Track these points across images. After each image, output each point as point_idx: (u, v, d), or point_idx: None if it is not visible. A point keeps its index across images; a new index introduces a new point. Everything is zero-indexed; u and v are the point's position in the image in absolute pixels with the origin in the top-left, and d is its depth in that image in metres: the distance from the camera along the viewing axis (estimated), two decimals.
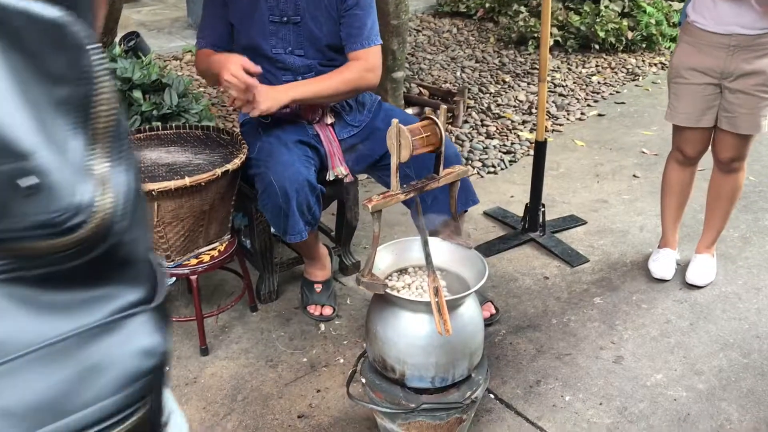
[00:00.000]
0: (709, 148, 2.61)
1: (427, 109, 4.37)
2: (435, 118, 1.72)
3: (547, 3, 2.61)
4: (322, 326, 2.46)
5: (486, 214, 3.29)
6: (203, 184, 2.08)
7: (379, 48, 2.34)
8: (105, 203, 0.61)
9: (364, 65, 2.33)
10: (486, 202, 3.38)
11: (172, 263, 2.21)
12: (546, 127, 4.25)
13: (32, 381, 0.60)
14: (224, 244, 2.33)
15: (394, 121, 1.62)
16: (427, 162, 1.88)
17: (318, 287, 2.51)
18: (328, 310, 2.48)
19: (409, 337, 1.71)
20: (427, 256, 1.78)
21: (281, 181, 2.12)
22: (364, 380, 1.83)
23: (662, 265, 2.76)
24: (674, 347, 2.38)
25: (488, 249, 2.98)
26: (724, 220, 2.70)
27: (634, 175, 3.65)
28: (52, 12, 0.57)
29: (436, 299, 1.63)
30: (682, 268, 2.79)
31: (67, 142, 0.59)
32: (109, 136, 0.63)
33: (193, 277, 2.23)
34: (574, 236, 3.09)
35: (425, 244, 1.80)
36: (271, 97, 2.17)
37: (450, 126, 4.22)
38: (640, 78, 5.13)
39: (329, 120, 2.39)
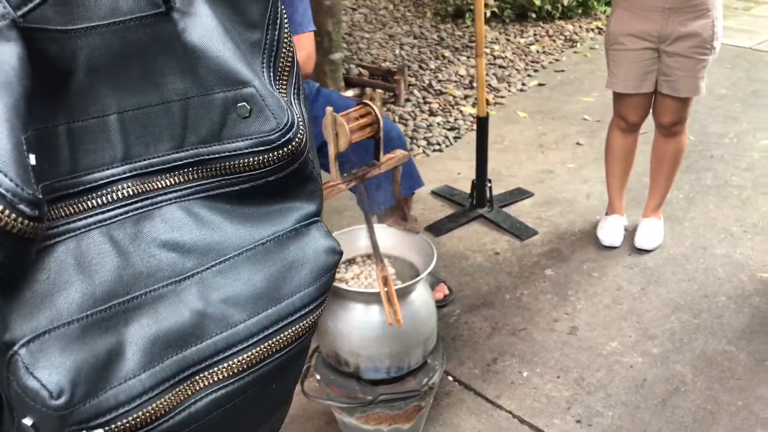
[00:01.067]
0: (650, 112, 2.62)
1: (368, 90, 4.30)
2: (371, 103, 1.66)
3: None
4: None
5: (434, 193, 3.26)
6: None
7: (313, 34, 2.26)
8: (301, 124, 0.72)
9: (305, 54, 2.26)
10: (433, 180, 3.35)
11: None
12: (488, 100, 4.23)
13: (249, 274, 0.72)
14: None
15: (329, 109, 1.56)
16: (370, 145, 1.82)
17: None
18: None
19: (361, 329, 1.66)
20: (374, 244, 1.73)
21: None
22: (318, 376, 1.78)
23: (610, 231, 2.77)
24: (627, 313, 2.39)
25: (438, 228, 2.96)
26: (668, 183, 2.72)
27: (578, 143, 3.66)
28: None
29: (386, 289, 1.59)
30: (630, 233, 2.81)
31: (263, 77, 0.71)
32: (289, 74, 0.74)
33: None
34: (522, 209, 3.09)
35: (371, 232, 1.75)
36: None
37: (392, 105, 4.17)
38: (578, 44, 5.15)
39: None
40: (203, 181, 0.72)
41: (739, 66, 4.61)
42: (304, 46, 2.24)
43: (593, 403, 2.02)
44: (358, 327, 1.66)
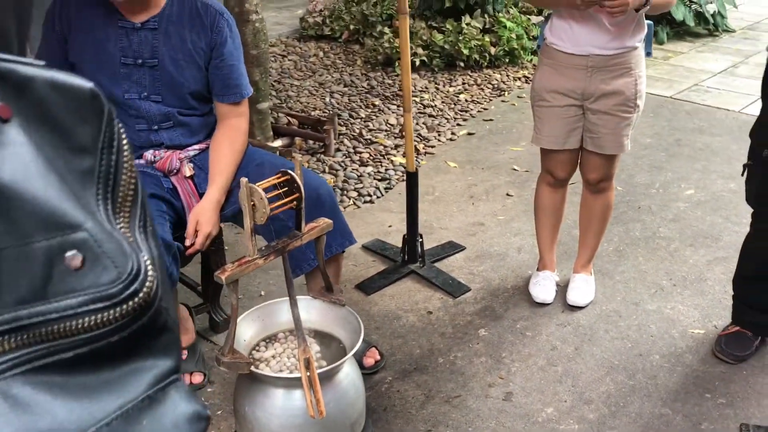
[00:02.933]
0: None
1: (297, 140, 4.21)
2: (292, 172, 1.57)
3: (405, 37, 2.52)
4: None
5: (365, 247, 3.16)
6: None
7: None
8: (150, 269, 0.60)
9: (244, 121, 2.22)
10: (365, 234, 3.26)
11: None
12: (418, 150, 4.20)
13: None
14: None
15: (243, 180, 1.45)
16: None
17: (183, 354, 2.28)
18: (198, 378, 2.26)
19: (282, 416, 1.54)
20: (297, 321, 1.61)
21: None
22: None
23: (543, 288, 2.73)
24: (562, 376, 2.33)
25: (369, 286, 2.86)
26: (598, 239, 2.71)
27: (508, 194, 3.65)
28: (84, 83, 0.59)
29: (308, 373, 1.47)
30: (562, 288, 2.78)
31: (98, 213, 0.59)
32: (132, 205, 0.62)
33: None
34: (454, 264, 3.02)
35: (294, 308, 1.64)
36: (207, 220, 2.05)
37: (322, 155, 4.08)
38: (506, 93, 5.21)
39: (188, 172, 2.18)
40: (24, 351, 0.56)
41: (662, 115, 4.73)
42: (244, 111, 2.25)
43: None
44: (278, 414, 1.54)
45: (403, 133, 4.29)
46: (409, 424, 2.12)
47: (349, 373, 1.63)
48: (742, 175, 2.26)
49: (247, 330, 1.68)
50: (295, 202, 1.56)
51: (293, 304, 1.63)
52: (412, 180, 2.86)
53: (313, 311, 1.75)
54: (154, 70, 2.08)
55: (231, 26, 2.15)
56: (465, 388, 2.28)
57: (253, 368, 1.51)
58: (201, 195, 2.17)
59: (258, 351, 1.67)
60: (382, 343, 2.50)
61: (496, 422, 2.13)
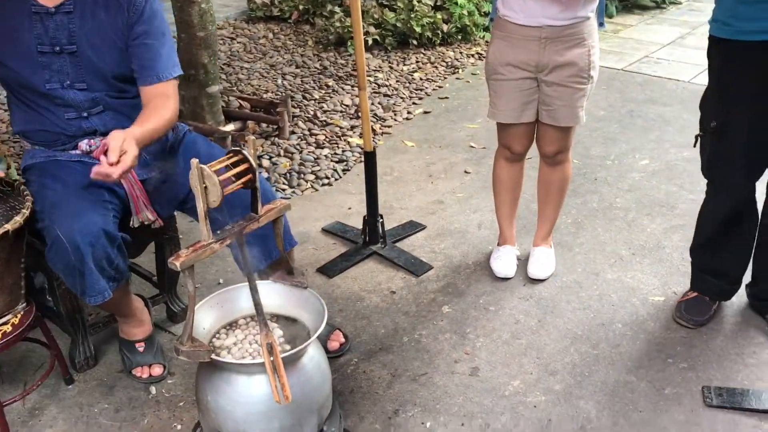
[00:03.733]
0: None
1: (250, 124, 4.13)
2: (243, 150, 1.51)
3: (357, 15, 2.47)
4: (153, 389, 2.17)
5: (325, 230, 3.12)
6: None
7: (177, 80, 2.09)
8: None
9: (172, 102, 2.05)
10: (324, 217, 3.22)
11: None
12: (375, 130, 4.16)
13: None
14: (19, 315, 1.97)
15: (194, 162, 1.39)
16: (236, 196, 1.64)
17: (140, 346, 2.21)
18: (157, 369, 2.19)
19: (246, 404, 1.49)
20: (257, 306, 1.57)
21: (70, 235, 1.80)
22: None
23: (504, 263, 2.73)
24: (526, 348, 2.34)
25: (331, 269, 2.82)
26: (556, 211, 2.72)
27: (466, 171, 3.64)
28: None
29: (271, 358, 1.43)
30: (522, 262, 2.78)
31: None
32: None
33: None
34: (416, 243, 3.00)
35: (254, 292, 1.59)
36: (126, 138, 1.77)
37: (277, 138, 4.01)
38: (460, 70, 5.19)
39: None
40: None
41: (614, 87, 4.77)
42: (172, 94, 2.07)
43: None
44: (241, 402, 1.49)
45: (359, 114, 4.24)
46: (377, 405, 2.10)
47: (313, 356, 1.60)
48: (694, 146, 2.28)
49: (206, 317, 1.62)
50: (248, 182, 1.51)
51: (253, 289, 1.58)
52: (370, 160, 2.82)
53: (274, 295, 1.70)
54: (74, 57, 1.97)
55: (150, 2, 2.03)
56: (431, 365, 2.27)
57: (213, 356, 1.47)
58: (143, 182, 2.07)
59: (218, 338, 1.62)
60: (346, 325, 2.47)
61: (463, 398, 2.12)
